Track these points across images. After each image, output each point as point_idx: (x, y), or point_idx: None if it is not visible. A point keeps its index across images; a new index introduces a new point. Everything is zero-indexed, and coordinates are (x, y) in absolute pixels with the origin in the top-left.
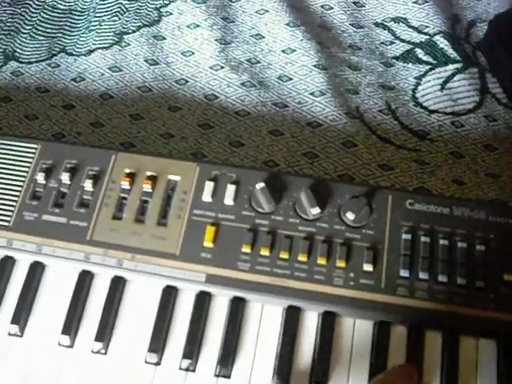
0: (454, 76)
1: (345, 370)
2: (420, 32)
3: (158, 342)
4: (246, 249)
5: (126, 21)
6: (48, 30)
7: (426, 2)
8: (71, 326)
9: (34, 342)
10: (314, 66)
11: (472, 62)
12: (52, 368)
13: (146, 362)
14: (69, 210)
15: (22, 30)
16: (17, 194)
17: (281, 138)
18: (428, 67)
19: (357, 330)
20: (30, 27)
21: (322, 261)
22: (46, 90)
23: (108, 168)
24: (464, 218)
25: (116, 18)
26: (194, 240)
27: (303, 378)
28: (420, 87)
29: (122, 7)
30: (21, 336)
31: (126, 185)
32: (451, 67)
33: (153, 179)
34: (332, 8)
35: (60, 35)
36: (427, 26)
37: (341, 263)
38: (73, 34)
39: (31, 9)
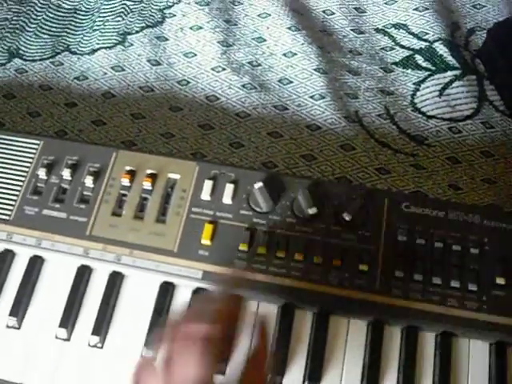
0: (453, 83)
1: (338, 368)
2: (420, 39)
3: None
4: (243, 247)
5: (130, 21)
6: (52, 29)
7: (427, 9)
8: (69, 319)
9: (32, 335)
10: (315, 69)
11: (470, 70)
12: (49, 361)
13: (142, 357)
14: (69, 205)
15: (27, 29)
16: (18, 188)
17: (280, 139)
18: (427, 73)
19: (351, 330)
20: (34, 26)
21: (317, 260)
22: (49, 88)
23: (109, 165)
24: (459, 221)
25: (120, 19)
26: (192, 237)
27: (297, 376)
28: (419, 93)
29: (126, 8)
30: (18, 328)
31: (126, 182)
32: (450, 74)
33: (153, 177)
34: (333, 13)
35: (64, 34)
36: (427, 33)
37: (337, 263)
38: (77, 33)
39: (36, 7)
